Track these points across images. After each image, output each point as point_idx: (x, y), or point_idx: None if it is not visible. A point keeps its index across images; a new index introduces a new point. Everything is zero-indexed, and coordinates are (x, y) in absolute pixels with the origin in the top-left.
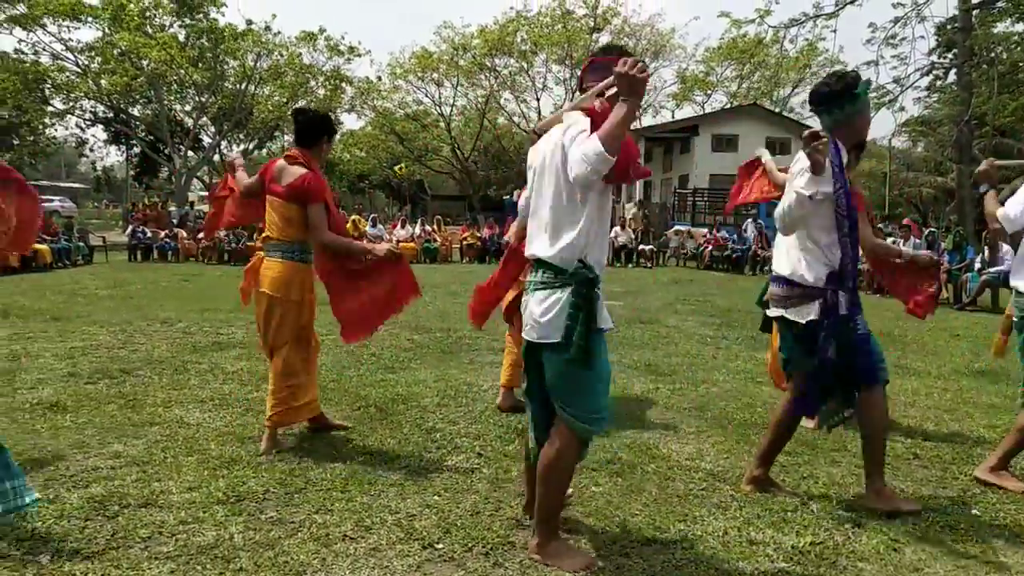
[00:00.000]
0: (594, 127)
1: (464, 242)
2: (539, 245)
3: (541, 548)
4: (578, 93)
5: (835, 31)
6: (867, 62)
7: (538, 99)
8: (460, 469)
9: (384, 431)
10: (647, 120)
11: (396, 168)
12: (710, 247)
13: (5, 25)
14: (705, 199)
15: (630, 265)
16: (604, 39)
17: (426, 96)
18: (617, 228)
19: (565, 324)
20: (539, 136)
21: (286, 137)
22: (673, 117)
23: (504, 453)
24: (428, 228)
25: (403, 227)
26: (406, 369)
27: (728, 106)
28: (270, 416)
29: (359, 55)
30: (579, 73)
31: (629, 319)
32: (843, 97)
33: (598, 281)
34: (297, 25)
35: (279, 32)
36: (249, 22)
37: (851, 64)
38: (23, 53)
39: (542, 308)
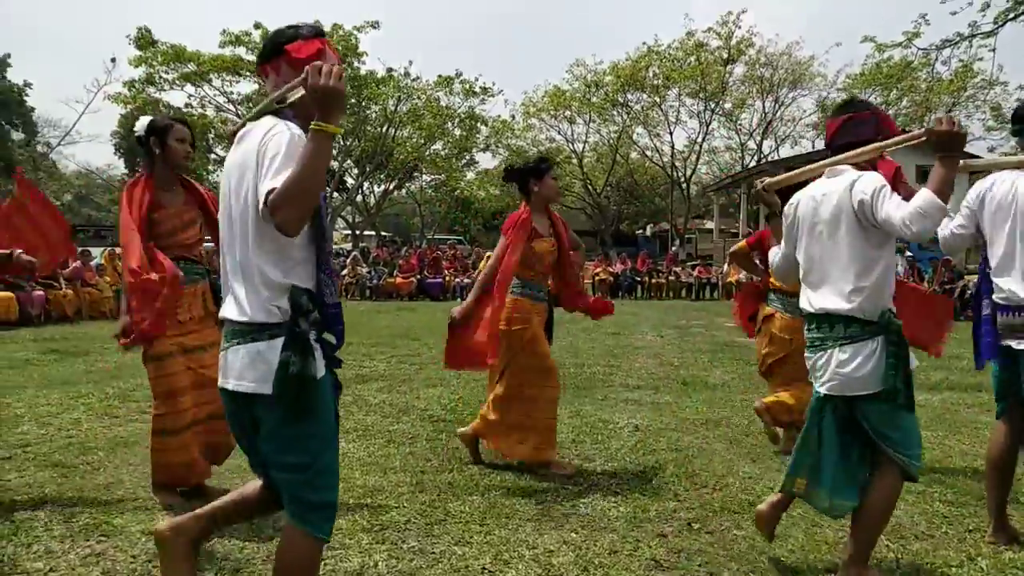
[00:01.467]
0: (891, 182)
1: (596, 277)
2: (833, 299)
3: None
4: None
5: (994, 50)
6: None
7: (671, 133)
8: (597, 507)
9: (520, 468)
10: (785, 151)
11: None
12: None
13: (178, 82)
14: None
15: None
16: (739, 70)
17: (559, 133)
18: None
19: (887, 374)
20: (767, 191)
21: (425, 177)
22: (813, 147)
23: (641, 492)
24: None
25: None
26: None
27: None
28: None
29: (493, 95)
30: (828, 130)
31: None
32: None
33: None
34: (434, 69)
35: (417, 77)
36: (389, 69)
37: (1013, 85)
38: (192, 107)
39: (856, 362)
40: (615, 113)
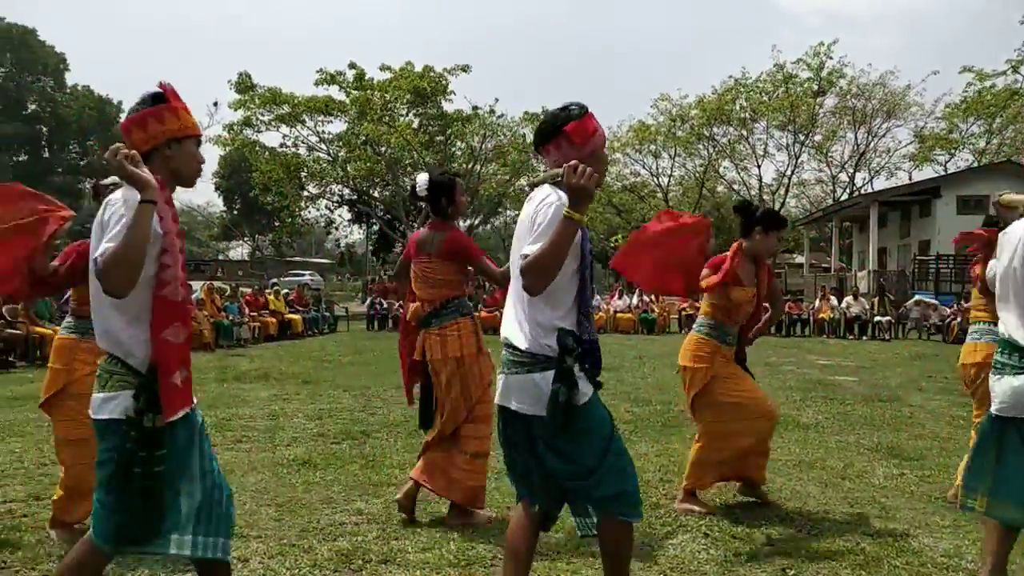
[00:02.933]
0: None
1: (683, 312)
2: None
3: None
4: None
5: None
6: None
7: (759, 166)
8: (687, 549)
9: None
10: (879, 184)
11: (613, 241)
12: (959, 319)
13: (273, 123)
14: (950, 266)
15: (864, 338)
16: (829, 102)
17: (643, 168)
18: (849, 298)
19: None
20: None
21: (509, 212)
22: (911, 179)
23: (733, 535)
24: (645, 298)
25: (620, 297)
26: (626, 441)
27: (976, 165)
28: None
29: None
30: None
31: (866, 396)
32: None
33: None
34: (520, 107)
35: (503, 114)
36: (475, 107)
37: None
38: (286, 146)
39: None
40: (701, 147)
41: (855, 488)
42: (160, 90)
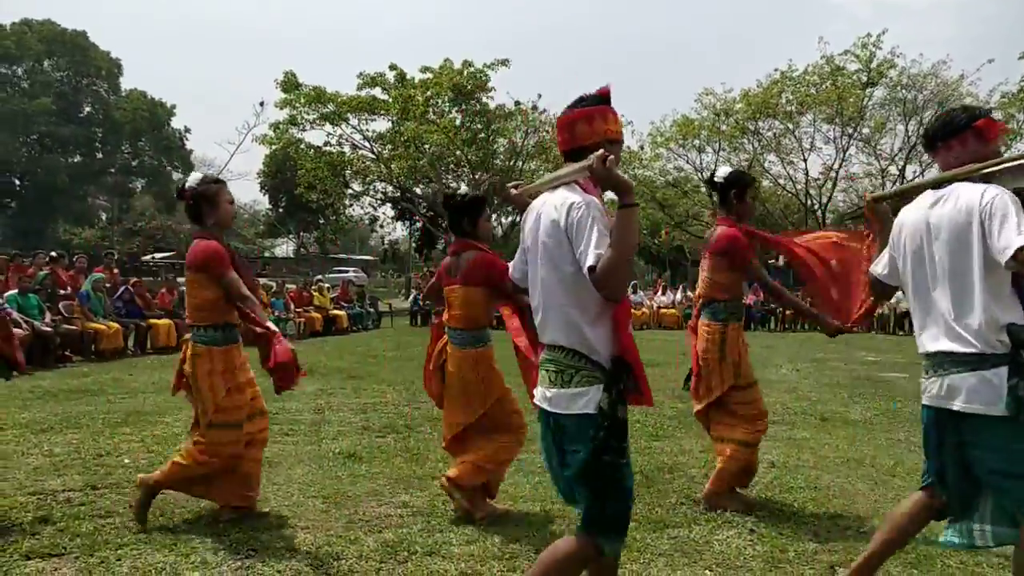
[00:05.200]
0: None
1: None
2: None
3: None
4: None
5: None
6: None
7: (805, 160)
8: (732, 545)
9: (651, 499)
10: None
11: (661, 233)
12: None
13: (317, 122)
14: None
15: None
16: (878, 93)
17: (687, 163)
18: (899, 293)
19: None
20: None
21: None
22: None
23: (779, 531)
24: (690, 294)
25: (663, 293)
26: (671, 438)
27: None
28: None
29: (622, 126)
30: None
31: (917, 393)
32: None
33: None
34: (562, 103)
35: (545, 110)
36: (517, 103)
37: None
38: (330, 145)
39: None
40: (745, 141)
41: (906, 486)
42: (605, 91)
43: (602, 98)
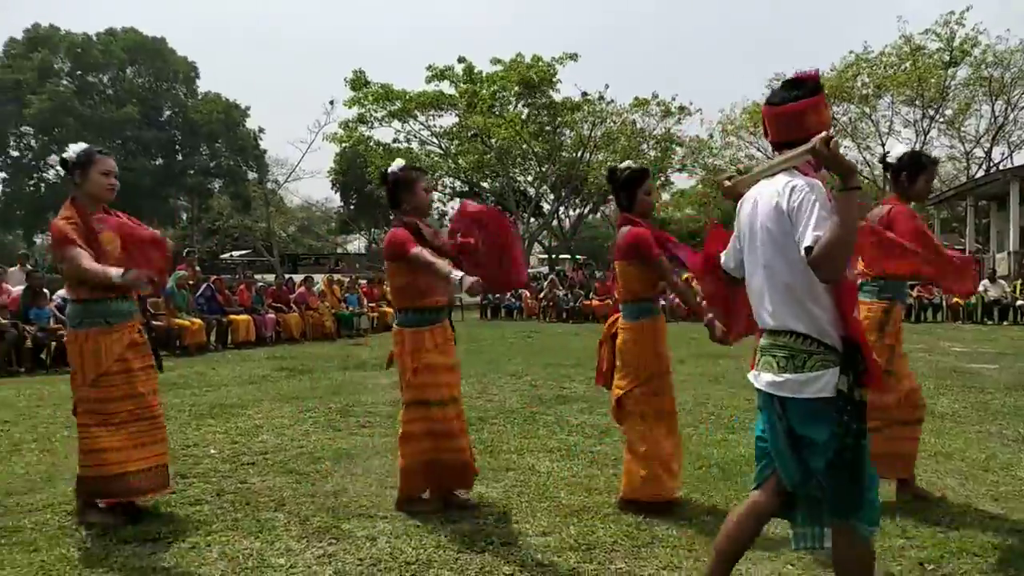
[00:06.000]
0: None
1: None
2: None
3: None
4: None
5: None
6: None
7: (883, 144)
8: None
9: (728, 492)
10: (1020, 158)
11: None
12: None
13: (385, 119)
14: None
15: (1004, 323)
16: (962, 73)
17: (758, 150)
18: (986, 281)
19: None
20: None
21: None
22: None
23: None
24: None
25: None
26: (747, 430)
27: None
28: None
29: (689, 115)
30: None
31: (1008, 385)
32: None
33: None
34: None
35: (612, 100)
36: (584, 94)
37: None
38: (399, 141)
39: None
40: None
41: (1000, 481)
42: (816, 76)
43: (819, 86)
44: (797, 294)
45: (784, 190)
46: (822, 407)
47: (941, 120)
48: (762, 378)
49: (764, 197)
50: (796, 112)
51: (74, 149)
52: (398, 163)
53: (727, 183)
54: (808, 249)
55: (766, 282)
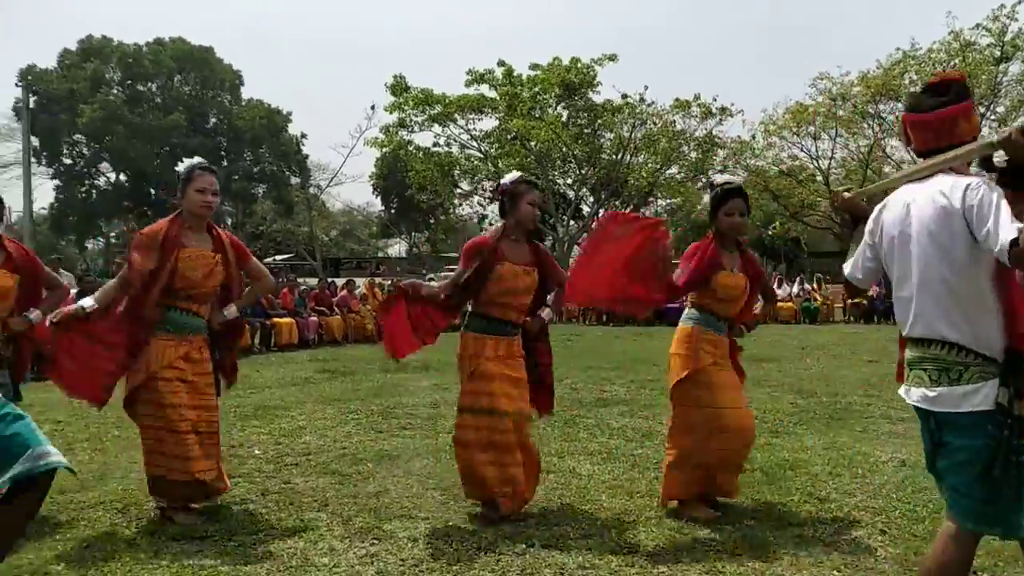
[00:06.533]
0: None
1: (849, 302)
2: None
3: None
4: None
5: None
6: None
7: None
8: (861, 545)
9: (772, 496)
10: None
11: (771, 229)
12: None
13: (425, 123)
14: None
15: None
16: (1014, 69)
17: (801, 151)
18: None
19: None
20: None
21: (660, 202)
22: None
23: (913, 533)
24: (807, 287)
25: (780, 286)
26: (791, 434)
27: None
28: None
29: (731, 115)
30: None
31: None
32: None
33: None
34: (671, 93)
35: (652, 102)
36: (624, 96)
37: None
38: (439, 145)
39: None
40: (865, 125)
41: None
42: (964, 78)
43: (967, 89)
44: (960, 299)
45: (953, 191)
46: (979, 421)
47: (992, 118)
48: (913, 393)
49: (920, 200)
50: (948, 118)
51: (185, 164)
52: (511, 176)
53: (846, 195)
54: (1014, 241)
55: (921, 288)
